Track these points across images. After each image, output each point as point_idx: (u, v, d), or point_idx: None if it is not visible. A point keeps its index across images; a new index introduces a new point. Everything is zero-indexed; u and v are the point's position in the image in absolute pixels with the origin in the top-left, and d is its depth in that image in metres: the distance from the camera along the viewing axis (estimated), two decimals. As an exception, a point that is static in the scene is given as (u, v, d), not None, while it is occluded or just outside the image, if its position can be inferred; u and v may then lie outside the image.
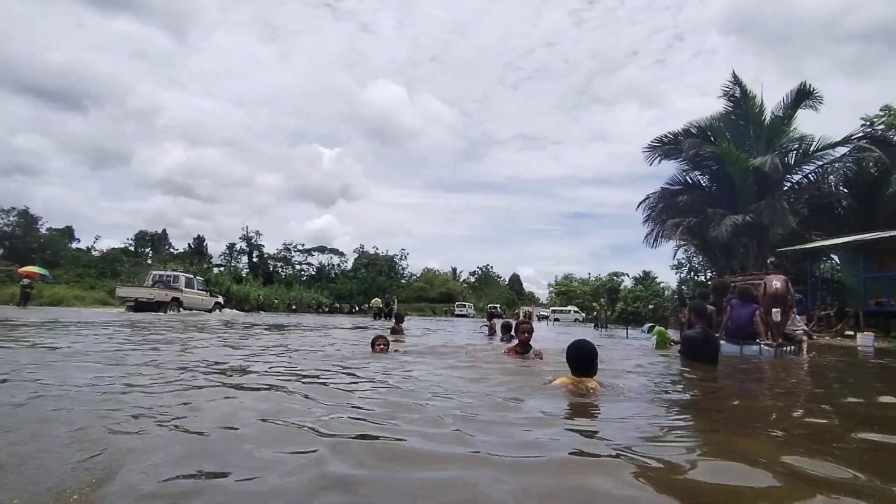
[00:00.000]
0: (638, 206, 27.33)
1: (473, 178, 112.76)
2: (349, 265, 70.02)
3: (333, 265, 71.58)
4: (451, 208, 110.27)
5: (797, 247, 19.86)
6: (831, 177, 23.08)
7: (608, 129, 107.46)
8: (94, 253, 52.84)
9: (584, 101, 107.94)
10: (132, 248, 59.43)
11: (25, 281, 24.35)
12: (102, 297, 33.77)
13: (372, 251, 69.93)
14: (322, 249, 72.02)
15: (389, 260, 69.24)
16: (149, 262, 52.74)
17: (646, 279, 47.98)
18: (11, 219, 48.63)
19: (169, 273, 26.98)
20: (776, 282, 8.60)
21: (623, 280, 53.11)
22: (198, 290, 26.31)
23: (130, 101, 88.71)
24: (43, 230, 51.99)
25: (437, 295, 61.73)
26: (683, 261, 36.72)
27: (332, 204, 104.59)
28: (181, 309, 23.48)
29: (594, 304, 38.09)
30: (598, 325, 29.74)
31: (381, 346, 6.66)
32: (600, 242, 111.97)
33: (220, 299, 29.88)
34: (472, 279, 78.38)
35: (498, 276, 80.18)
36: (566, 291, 58.81)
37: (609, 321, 33.76)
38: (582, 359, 3.81)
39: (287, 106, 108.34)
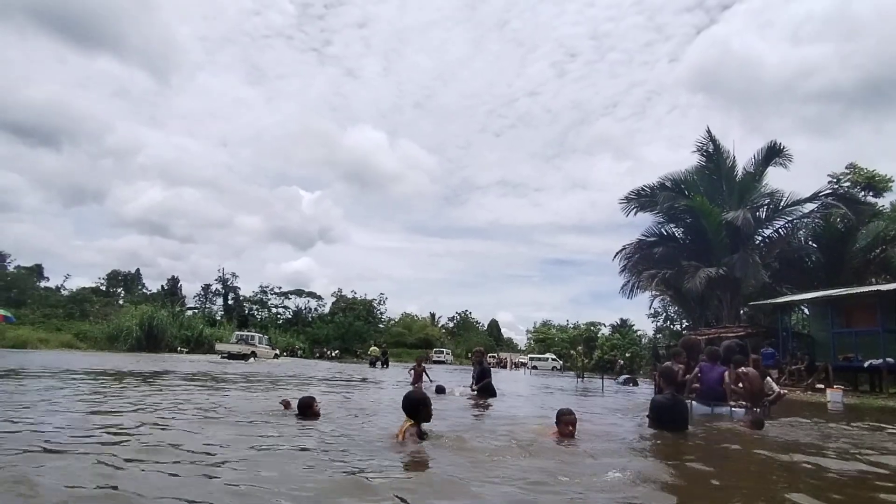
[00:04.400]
0: (615, 257, 27.69)
1: (453, 224, 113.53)
2: (326, 309, 68.90)
3: (310, 309, 70.32)
4: (430, 252, 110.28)
5: (768, 301, 20.11)
6: (801, 232, 23.76)
7: (587, 177, 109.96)
8: (63, 292, 51.39)
9: (565, 149, 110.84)
10: (104, 288, 57.86)
11: None
12: (69, 339, 32.60)
13: (350, 295, 69.05)
14: (299, 293, 70.77)
15: (367, 304, 68.29)
16: (120, 302, 51.58)
17: (623, 327, 48.14)
18: None
19: (247, 333, 36.61)
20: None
21: (601, 329, 53.21)
22: (265, 345, 35.26)
23: (108, 139, 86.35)
24: (11, 268, 50.89)
25: (416, 340, 60.80)
26: (659, 310, 37.04)
27: (311, 246, 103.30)
28: (256, 357, 30.93)
29: (571, 351, 37.94)
30: (579, 374, 29.47)
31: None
32: (579, 289, 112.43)
33: (277, 350, 38.22)
34: (451, 324, 77.69)
35: (477, 322, 79.65)
36: (544, 339, 58.57)
37: (586, 369, 33.48)
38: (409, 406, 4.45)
39: (269, 148, 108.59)
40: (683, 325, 31.68)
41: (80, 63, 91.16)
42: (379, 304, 69.90)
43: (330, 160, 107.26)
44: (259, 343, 34.29)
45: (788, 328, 20.80)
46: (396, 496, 2.86)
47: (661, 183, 26.32)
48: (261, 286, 69.14)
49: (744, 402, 7.88)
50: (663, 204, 25.25)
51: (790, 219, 23.79)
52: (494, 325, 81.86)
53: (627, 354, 37.38)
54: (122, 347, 32.45)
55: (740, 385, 8.00)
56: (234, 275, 67.70)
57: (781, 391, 9.07)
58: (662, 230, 26.99)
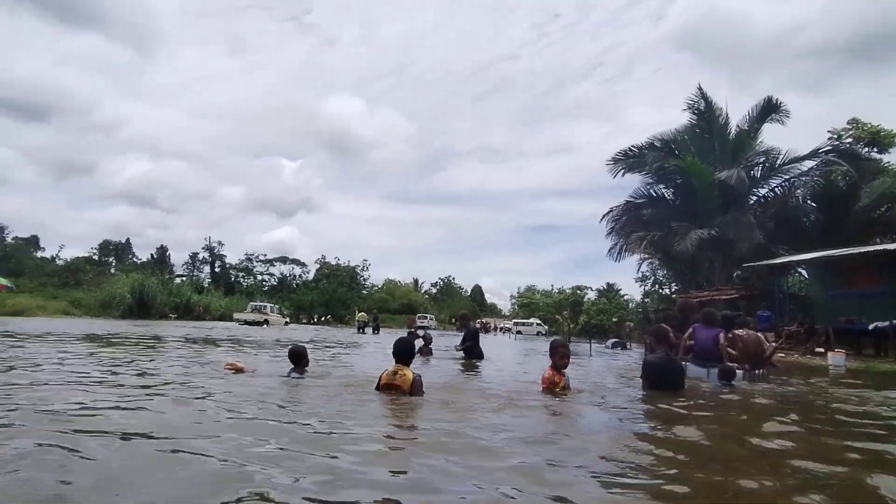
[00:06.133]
0: (602, 219, 26.69)
1: (434, 191, 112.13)
2: (311, 276, 68.15)
3: (295, 276, 69.70)
4: (411, 220, 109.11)
5: (763, 262, 19.25)
6: (798, 191, 22.80)
7: (569, 141, 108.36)
8: (58, 262, 52.94)
9: (546, 114, 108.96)
10: (96, 258, 58.84)
11: None
12: (65, 307, 33.25)
13: (333, 262, 68.20)
14: (284, 260, 70.17)
15: (351, 270, 67.54)
16: (112, 270, 53.14)
17: (609, 292, 47.57)
18: None
19: (261, 304, 39.41)
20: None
21: (587, 293, 52.67)
22: (276, 314, 38.07)
23: (95, 114, 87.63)
24: (9, 239, 53.02)
25: (399, 306, 60.14)
26: (648, 274, 36.26)
27: (293, 215, 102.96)
28: (269, 324, 33.39)
29: (557, 315, 37.26)
30: (565, 338, 28.82)
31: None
32: (563, 255, 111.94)
33: (288, 318, 41.23)
34: (434, 290, 77.18)
35: (460, 288, 79.24)
36: (529, 304, 58.06)
37: (572, 334, 32.92)
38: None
39: (250, 118, 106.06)
40: (673, 289, 30.98)
41: (66, 40, 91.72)
42: (362, 270, 69.30)
43: (310, 129, 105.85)
44: (271, 312, 37.42)
45: (785, 290, 20.06)
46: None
47: (650, 143, 25.23)
48: (246, 254, 69.45)
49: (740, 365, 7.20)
50: (652, 164, 24.19)
51: (787, 177, 22.91)
52: (478, 290, 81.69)
53: (614, 319, 36.82)
54: (115, 314, 32.83)
55: (735, 348, 7.43)
56: (220, 243, 67.95)
57: (774, 346, 8.68)
58: (651, 191, 26.02)
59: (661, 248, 24.67)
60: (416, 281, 75.99)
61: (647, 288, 37.79)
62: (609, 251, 26.48)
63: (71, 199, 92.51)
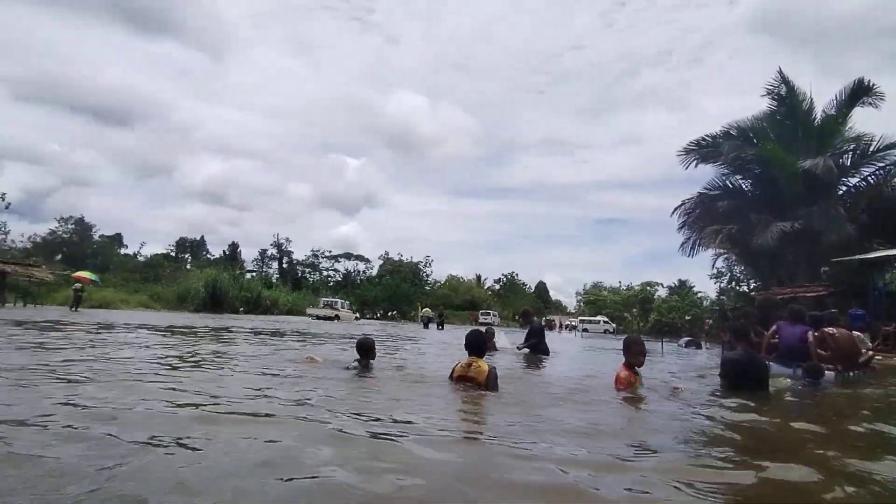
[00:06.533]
0: (673, 212, 25.64)
1: (497, 185, 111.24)
2: (374, 272, 69.93)
3: (359, 271, 71.73)
4: (474, 215, 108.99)
5: (856, 257, 17.83)
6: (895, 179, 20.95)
7: (639, 132, 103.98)
8: (139, 258, 56.55)
9: (614, 104, 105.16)
10: (173, 254, 62.45)
11: (77, 285, 25.50)
12: (145, 300, 35.70)
13: (396, 258, 69.60)
14: (348, 256, 72.36)
15: (414, 267, 68.69)
16: (188, 266, 56.01)
17: (682, 289, 45.56)
18: (69, 227, 52.19)
19: (332, 300, 42.07)
20: None
21: (657, 290, 50.68)
22: (346, 309, 40.43)
23: (172, 117, 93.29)
24: (96, 237, 56.02)
25: (462, 302, 60.60)
26: (723, 270, 34.40)
27: (357, 212, 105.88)
28: (339, 319, 35.35)
29: (625, 313, 36.15)
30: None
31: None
32: (632, 250, 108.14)
33: (358, 314, 43.85)
34: (497, 286, 76.98)
35: (524, 284, 78.43)
36: (595, 301, 56.64)
37: (641, 333, 31.85)
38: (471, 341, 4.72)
39: (316, 117, 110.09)
40: (752, 286, 29.26)
41: (146, 48, 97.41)
42: (425, 266, 70.22)
43: (373, 126, 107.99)
44: (342, 308, 39.68)
45: (881, 287, 18.52)
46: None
47: (726, 131, 23.95)
48: (312, 250, 71.79)
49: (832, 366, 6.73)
50: (728, 154, 22.95)
51: (882, 165, 21.06)
52: (542, 286, 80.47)
53: (687, 317, 35.26)
54: (189, 307, 34.54)
55: (826, 348, 6.89)
56: (287, 240, 70.44)
57: (872, 349, 8.08)
58: (727, 182, 24.73)
59: (739, 243, 23.42)
60: (478, 277, 76.20)
61: (722, 285, 35.87)
62: (681, 246, 25.43)
63: (151, 199, 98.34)
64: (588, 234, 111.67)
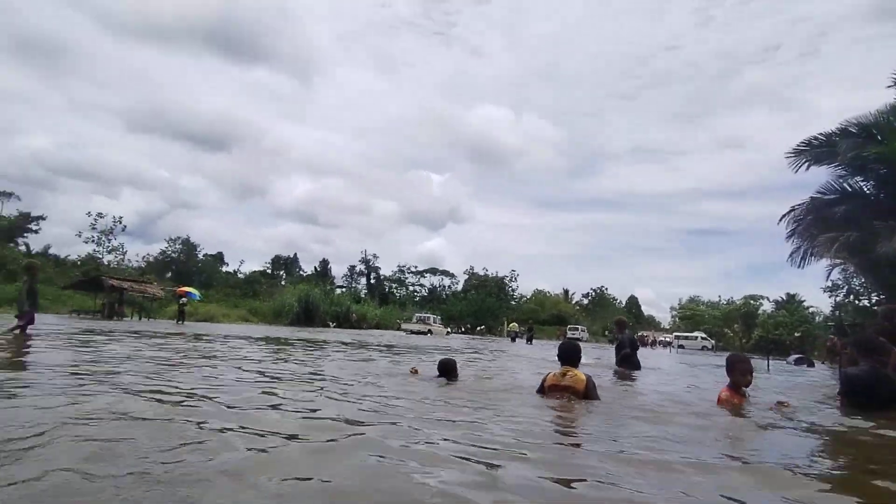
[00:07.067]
0: (781, 220, 23.56)
1: (583, 196, 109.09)
2: (459, 286, 70.56)
3: (444, 286, 72.78)
4: (560, 227, 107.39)
5: None
6: None
7: (739, 135, 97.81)
8: (239, 275, 61.02)
9: (711, 106, 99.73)
10: (269, 271, 66.80)
11: (183, 300, 27.48)
12: (244, 314, 38.12)
13: (481, 272, 69.87)
14: (434, 271, 73.72)
15: (499, 281, 68.60)
16: (282, 283, 59.44)
17: (790, 303, 41.72)
18: (177, 246, 57.46)
19: (425, 315, 44.00)
20: None
21: (761, 304, 46.78)
22: (438, 324, 42.43)
23: (265, 140, 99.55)
24: (200, 256, 61.72)
25: (548, 317, 59.53)
26: (840, 282, 31.19)
27: (442, 227, 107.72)
28: (431, 333, 36.55)
29: (726, 329, 33.69)
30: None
31: None
32: (731, 261, 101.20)
33: (449, 329, 45.96)
34: (586, 301, 74.76)
35: (614, 299, 75.63)
36: (692, 316, 53.34)
37: (744, 350, 29.62)
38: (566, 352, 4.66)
39: (400, 134, 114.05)
40: (873, 299, 26.29)
41: (240, 76, 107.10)
42: (510, 280, 69.93)
43: (457, 141, 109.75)
44: (433, 322, 41.87)
45: None
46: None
47: (843, 128, 21.64)
48: (398, 266, 73.98)
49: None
50: (846, 153, 20.70)
51: None
52: (633, 301, 77.22)
53: (797, 333, 32.25)
54: (284, 321, 36.26)
55: None
56: (374, 256, 73.21)
57: None
58: (845, 185, 22.25)
59: (859, 252, 21.15)
60: (566, 291, 74.75)
61: (838, 298, 32.54)
62: (790, 256, 23.20)
63: (249, 219, 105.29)
64: (682, 246, 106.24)
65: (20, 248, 45.04)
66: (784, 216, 23.61)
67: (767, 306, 45.77)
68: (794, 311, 39.09)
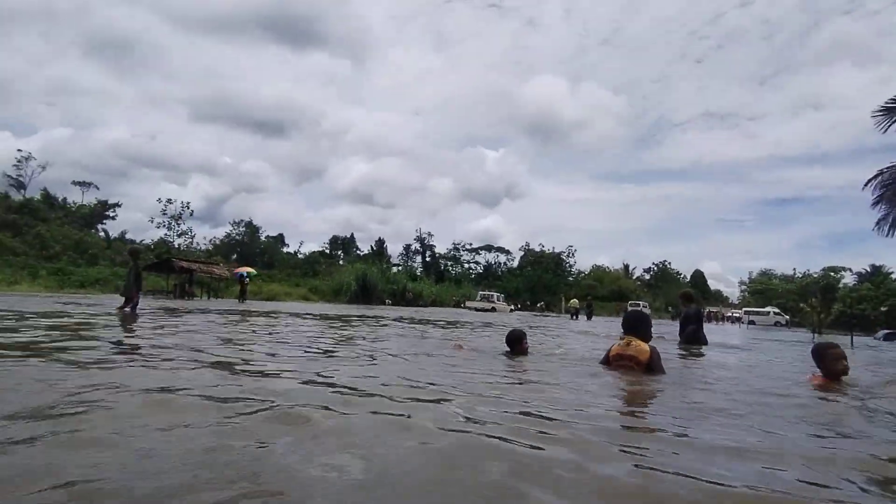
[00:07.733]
0: (866, 185, 21.73)
1: (647, 167, 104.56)
2: (515, 263, 70.17)
3: (500, 263, 72.56)
4: (622, 201, 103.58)
5: None
6: None
7: (821, 95, 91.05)
8: (299, 256, 63.20)
9: (788, 65, 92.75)
10: (327, 251, 68.76)
11: (246, 279, 28.14)
12: (305, 293, 39.48)
13: (538, 249, 69.08)
14: (489, 248, 73.54)
15: (556, 257, 67.62)
16: (340, 262, 61.16)
17: (876, 276, 38.64)
18: (241, 229, 60.20)
19: (489, 293, 45.23)
20: None
21: (842, 276, 43.62)
22: (502, 302, 43.33)
23: (324, 124, 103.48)
24: (263, 237, 64.25)
25: (608, 293, 58.21)
26: (934, 252, 28.49)
27: (498, 203, 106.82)
28: (496, 311, 37.21)
29: (802, 304, 31.64)
30: (815, 330, 24.60)
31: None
32: (808, 232, 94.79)
33: (512, 306, 45.66)
34: (647, 276, 72.43)
35: (678, 273, 72.83)
36: (763, 290, 50.65)
37: (822, 325, 27.76)
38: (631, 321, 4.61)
39: (455, 112, 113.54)
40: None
41: (297, 62, 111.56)
42: (568, 256, 68.83)
43: (513, 116, 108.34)
44: (497, 300, 42.87)
45: None
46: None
47: (940, 81, 19.68)
48: (454, 243, 74.21)
49: None
50: (942, 108, 18.85)
51: None
52: (699, 275, 74.24)
53: (883, 308, 29.87)
54: (343, 299, 37.31)
55: None
56: (430, 234, 73.85)
57: None
58: (942, 144, 20.34)
59: (957, 217, 19.25)
60: (626, 266, 72.86)
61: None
62: (877, 224, 21.37)
63: (308, 201, 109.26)
64: (755, 217, 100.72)
65: (100, 234, 48.81)
66: (870, 181, 21.72)
67: (849, 279, 42.81)
68: (881, 283, 36.16)
